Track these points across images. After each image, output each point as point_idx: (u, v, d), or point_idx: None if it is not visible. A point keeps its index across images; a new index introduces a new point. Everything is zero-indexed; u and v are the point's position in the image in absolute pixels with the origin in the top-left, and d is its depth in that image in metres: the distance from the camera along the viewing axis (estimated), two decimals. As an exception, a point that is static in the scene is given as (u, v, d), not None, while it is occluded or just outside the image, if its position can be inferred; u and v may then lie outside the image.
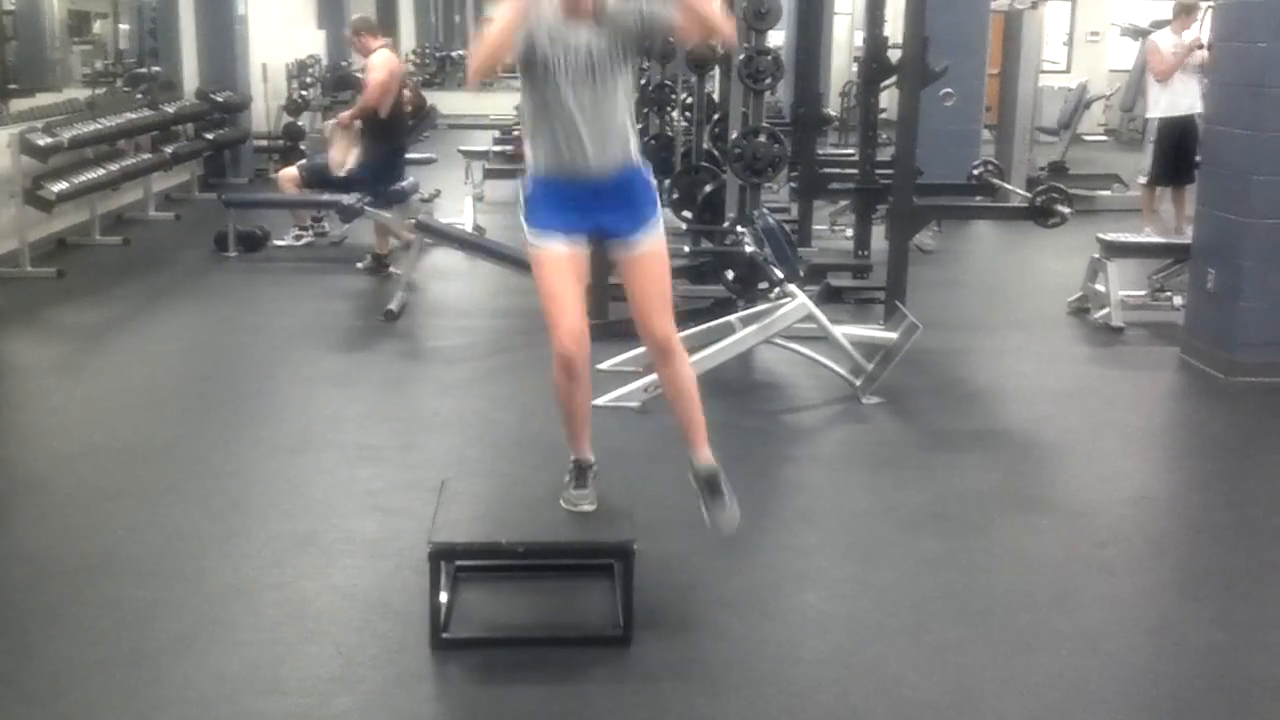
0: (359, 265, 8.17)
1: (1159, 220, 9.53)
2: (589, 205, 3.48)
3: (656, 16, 3.42)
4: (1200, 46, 9.09)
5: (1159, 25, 10.76)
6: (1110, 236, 7.35)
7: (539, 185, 3.52)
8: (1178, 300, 6.86)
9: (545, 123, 3.44)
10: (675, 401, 3.67)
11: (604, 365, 5.89)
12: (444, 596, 3.42)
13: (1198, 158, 7.61)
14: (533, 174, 3.53)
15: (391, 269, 8.01)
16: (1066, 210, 6.88)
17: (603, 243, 3.62)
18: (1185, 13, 9.56)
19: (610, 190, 3.49)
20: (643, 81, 11.03)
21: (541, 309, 3.52)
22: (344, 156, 8.14)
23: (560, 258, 3.49)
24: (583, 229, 3.52)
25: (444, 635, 3.36)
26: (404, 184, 8.32)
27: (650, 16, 3.42)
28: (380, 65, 8.15)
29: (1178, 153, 9.33)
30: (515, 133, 12.77)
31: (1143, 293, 7.19)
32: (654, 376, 5.35)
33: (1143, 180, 9.84)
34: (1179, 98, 9.35)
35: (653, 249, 3.55)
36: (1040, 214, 6.89)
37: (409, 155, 9.83)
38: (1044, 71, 14.06)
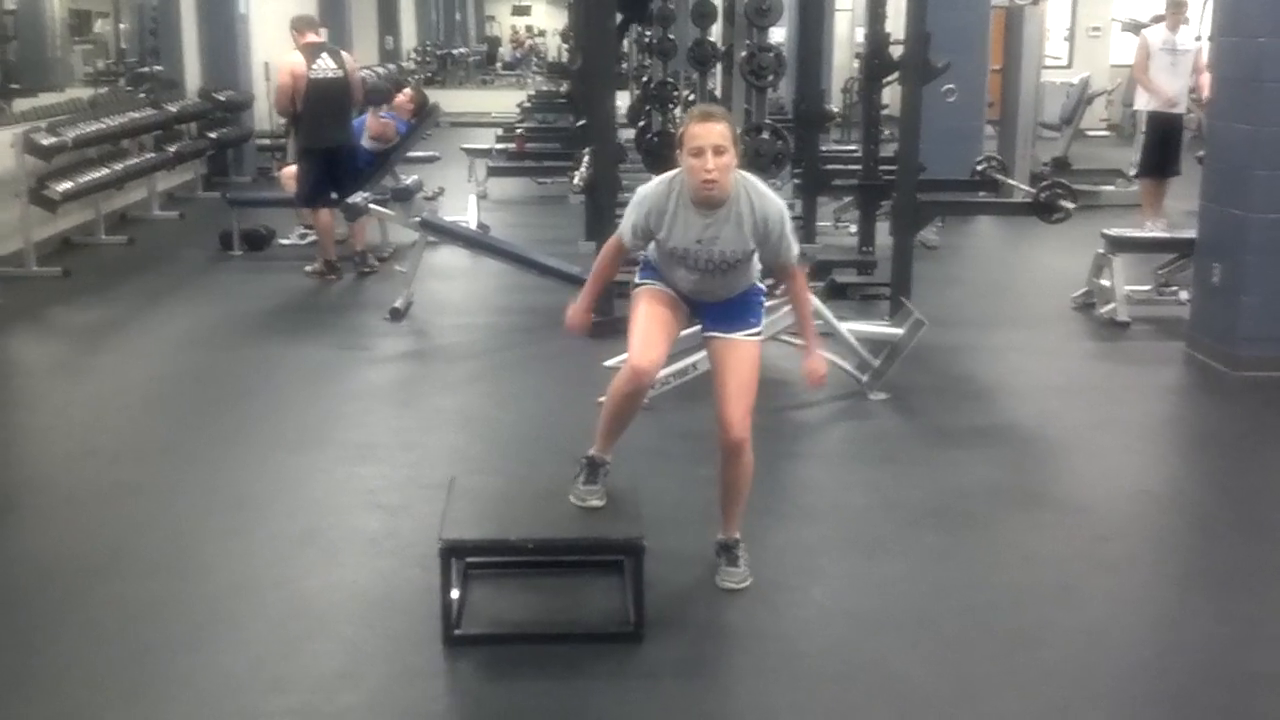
0: (307, 269, 8.11)
1: (1164, 213, 9.59)
2: (697, 306, 3.70)
3: (774, 248, 3.56)
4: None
5: (1159, 20, 10.74)
6: (1115, 231, 7.35)
7: (654, 271, 3.71)
8: (1183, 295, 6.85)
9: (666, 268, 3.64)
10: (726, 489, 3.72)
11: (610, 362, 5.89)
12: (455, 593, 3.42)
13: (1200, 153, 7.60)
14: (650, 262, 3.71)
15: (333, 275, 8.00)
16: (1070, 205, 6.87)
17: (699, 322, 3.74)
18: (1176, 9, 9.61)
19: (718, 303, 3.66)
20: (644, 79, 11.06)
21: (628, 328, 3.64)
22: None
23: (666, 296, 3.65)
24: (685, 303, 3.70)
25: (456, 632, 3.36)
26: (408, 183, 8.29)
27: (767, 249, 3.56)
28: (282, 67, 7.99)
29: (1165, 146, 9.49)
30: (518, 131, 12.80)
31: (1148, 288, 7.18)
32: (661, 373, 5.38)
33: (1133, 173, 10.01)
34: (1164, 94, 9.46)
35: (746, 342, 3.64)
36: (1044, 209, 6.89)
37: (414, 154, 9.84)
38: (1046, 67, 14.04)
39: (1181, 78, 9.52)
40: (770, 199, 3.52)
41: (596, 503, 3.61)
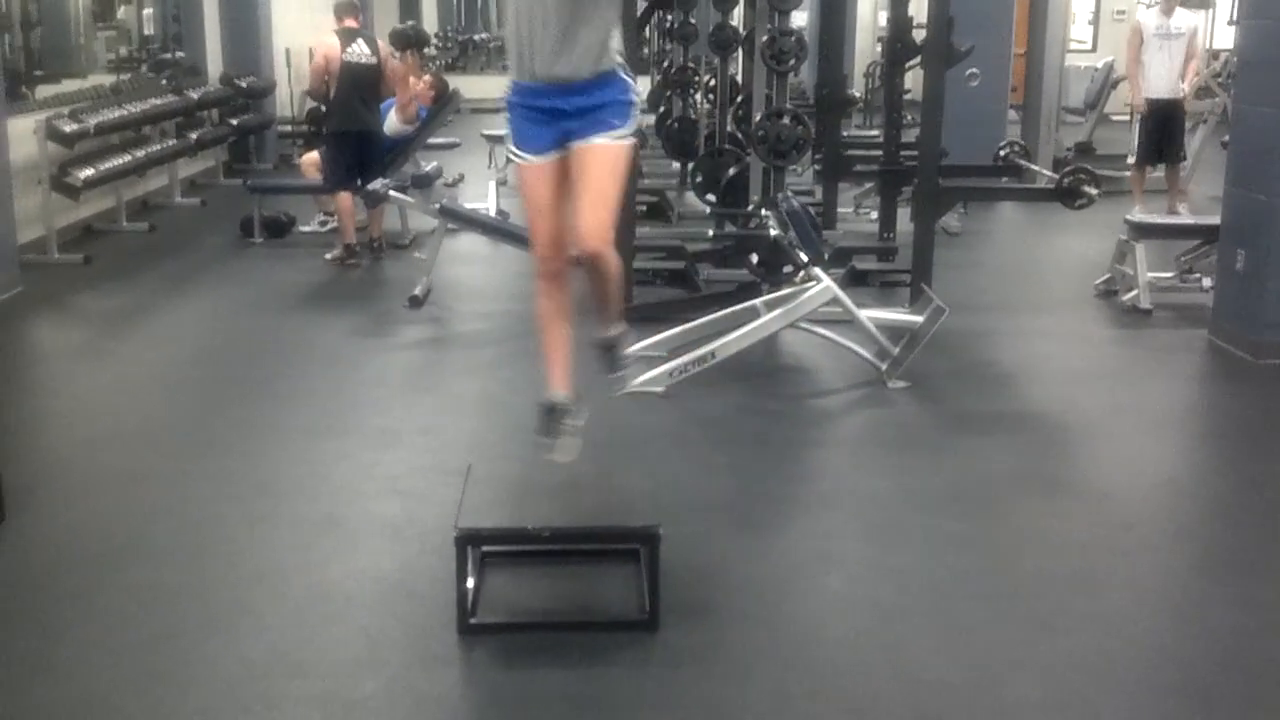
0: (328, 256, 8.15)
1: (1147, 200, 9.55)
2: (559, 110, 3.41)
3: None
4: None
5: (1192, 4, 10.71)
6: (1138, 218, 7.30)
7: (516, 93, 3.49)
8: (1206, 282, 6.80)
9: (522, 21, 3.37)
10: (594, 296, 3.63)
11: (628, 350, 5.89)
12: (471, 581, 3.43)
13: (1226, 141, 7.52)
14: (511, 81, 3.50)
15: (354, 260, 8.04)
16: (1094, 191, 6.83)
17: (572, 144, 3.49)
18: None
19: (582, 95, 3.40)
20: (665, 64, 11.03)
21: (526, 220, 3.58)
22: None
23: (535, 171, 3.50)
24: (555, 141, 3.46)
25: (472, 621, 3.37)
26: (428, 170, 8.29)
27: None
28: (318, 49, 8.22)
29: (1161, 133, 9.47)
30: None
31: (1171, 274, 7.13)
32: (680, 360, 5.39)
33: (1131, 160, 9.96)
34: (1160, 80, 9.42)
35: (605, 148, 3.40)
36: (1067, 195, 6.84)
37: (434, 140, 9.84)
38: (1070, 51, 13.94)
39: (1176, 62, 9.42)
40: None
41: (562, 457, 3.53)
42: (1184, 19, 9.56)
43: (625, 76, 3.48)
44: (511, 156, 3.56)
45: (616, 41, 3.44)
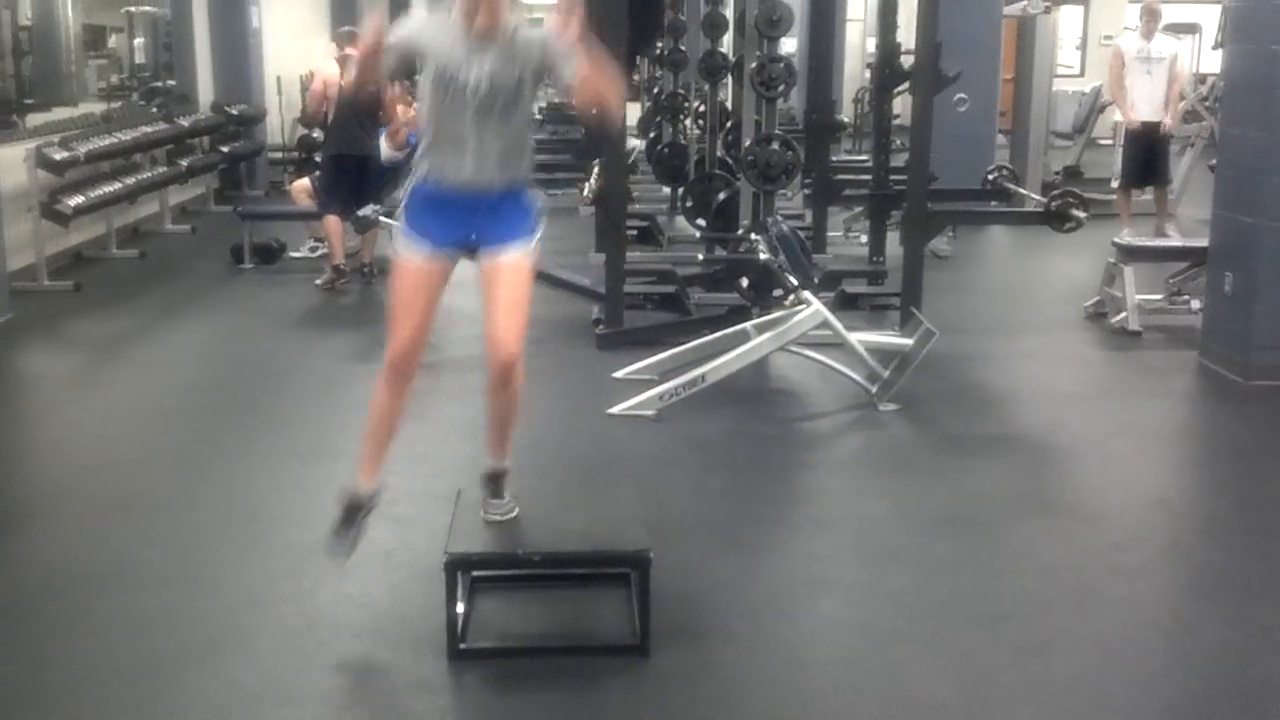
0: (317, 282, 8.15)
1: (1135, 223, 9.53)
2: (467, 218, 3.45)
3: (557, 66, 3.37)
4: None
5: (1179, 30, 10.77)
6: (1126, 240, 7.33)
7: (423, 189, 3.49)
8: (1195, 304, 6.82)
9: (443, 135, 3.42)
10: (495, 419, 3.63)
11: (619, 374, 5.90)
12: (461, 607, 3.41)
13: (1213, 164, 7.56)
14: (420, 177, 3.49)
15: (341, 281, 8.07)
16: (1082, 215, 6.86)
17: (473, 254, 3.53)
18: (1149, 16, 9.58)
19: (491, 206, 3.45)
20: (655, 90, 11.07)
21: (390, 313, 3.51)
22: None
23: (423, 268, 3.48)
24: (455, 240, 3.48)
25: (461, 646, 3.35)
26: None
27: (552, 60, 3.37)
28: (318, 74, 8.41)
29: (1145, 156, 9.53)
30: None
31: (1160, 296, 7.15)
32: (671, 384, 5.39)
33: (1115, 184, 10.09)
34: (1141, 103, 9.47)
35: (517, 260, 3.46)
36: (1056, 218, 6.87)
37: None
38: (1058, 76, 14.03)
39: (1158, 86, 9.48)
40: (542, 31, 3.41)
41: (348, 554, 3.55)
42: (1164, 44, 9.63)
43: (533, 194, 3.56)
44: (400, 244, 3.50)
45: (530, 158, 3.53)
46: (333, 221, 8.03)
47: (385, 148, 8.57)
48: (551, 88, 3.48)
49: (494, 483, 3.67)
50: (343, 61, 8.17)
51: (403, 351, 3.47)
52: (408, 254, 3.48)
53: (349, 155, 8.14)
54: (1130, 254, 7.07)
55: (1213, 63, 14.96)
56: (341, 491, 3.58)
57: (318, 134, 12.99)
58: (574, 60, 3.31)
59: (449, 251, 3.49)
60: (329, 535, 3.56)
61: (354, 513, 3.56)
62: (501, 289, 3.44)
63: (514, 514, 3.63)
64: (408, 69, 3.49)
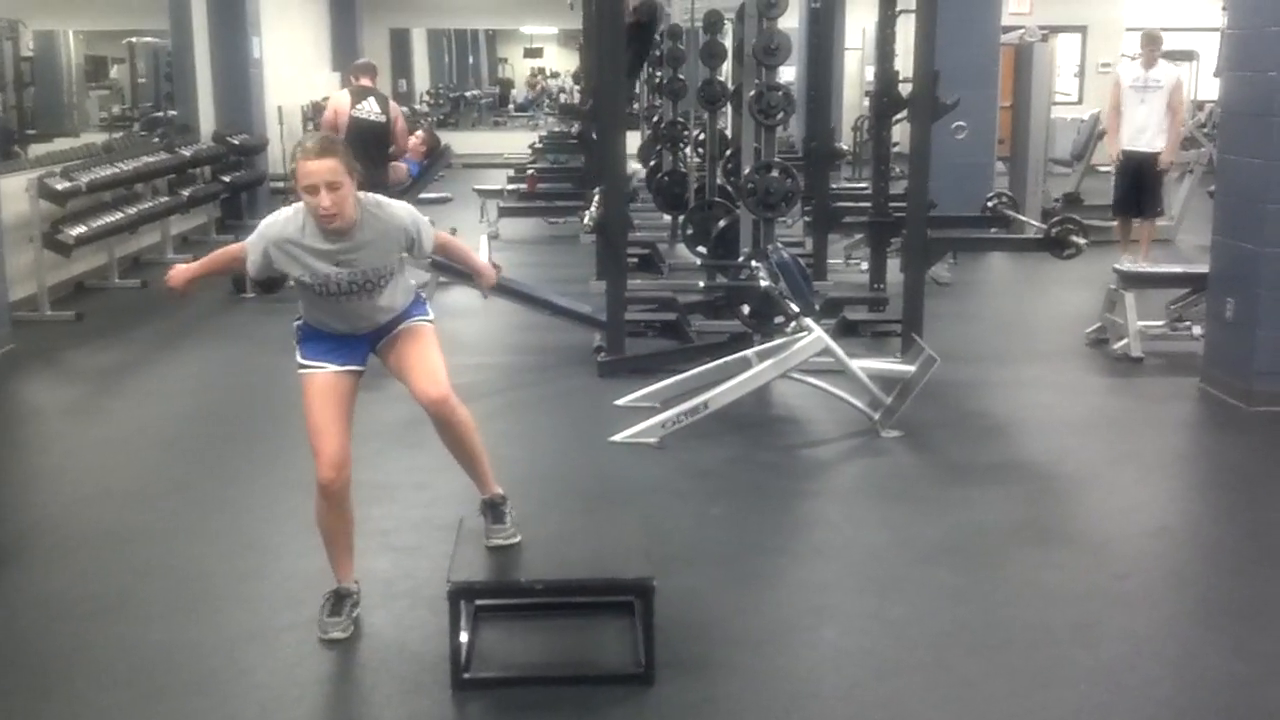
0: None
1: (1135, 250, 9.53)
2: (357, 344, 3.63)
3: (419, 247, 3.58)
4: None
5: (1171, 58, 10.72)
6: (1127, 267, 7.33)
7: (310, 332, 3.63)
8: (1197, 330, 6.82)
9: (319, 310, 3.56)
10: (457, 453, 3.71)
11: (621, 401, 5.90)
12: (464, 636, 3.40)
13: (1212, 190, 7.56)
14: (304, 325, 3.63)
15: None
16: (1082, 241, 6.87)
17: (370, 354, 3.69)
18: (1149, 44, 9.47)
19: (377, 333, 3.64)
20: (655, 119, 11.11)
21: (309, 435, 3.55)
22: None
23: (328, 382, 3.55)
24: (352, 359, 3.62)
25: (465, 676, 3.34)
26: None
27: (414, 245, 3.56)
28: (329, 104, 8.63)
29: (1132, 185, 9.48)
30: (529, 172, 12.85)
31: (1161, 323, 7.15)
32: (673, 411, 5.39)
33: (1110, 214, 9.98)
34: (1138, 132, 9.40)
35: (415, 324, 3.64)
36: (1055, 245, 6.88)
37: (426, 195, 9.91)
38: (1056, 103, 14.08)
39: (1152, 115, 9.37)
40: (394, 209, 3.54)
41: (339, 634, 3.58)
42: (1164, 71, 9.50)
43: (420, 296, 3.75)
44: (300, 366, 3.59)
45: (409, 283, 3.67)
46: None
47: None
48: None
49: (493, 509, 3.69)
50: (355, 91, 8.31)
51: (331, 468, 3.52)
52: (311, 372, 3.57)
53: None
54: (1131, 280, 7.08)
55: (1211, 90, 15.02)
56: (330, 590, 3.66)
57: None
58: (430, 239, 3.60)
59: (351, 365, 3.61)
60: (322, 620, 3.60)
61: (342, 601, 3.65)
62: (408, 354, 3.59)
63: (517, 539, 3.64)
64: (272, 275, 3.59)
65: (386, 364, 3.66)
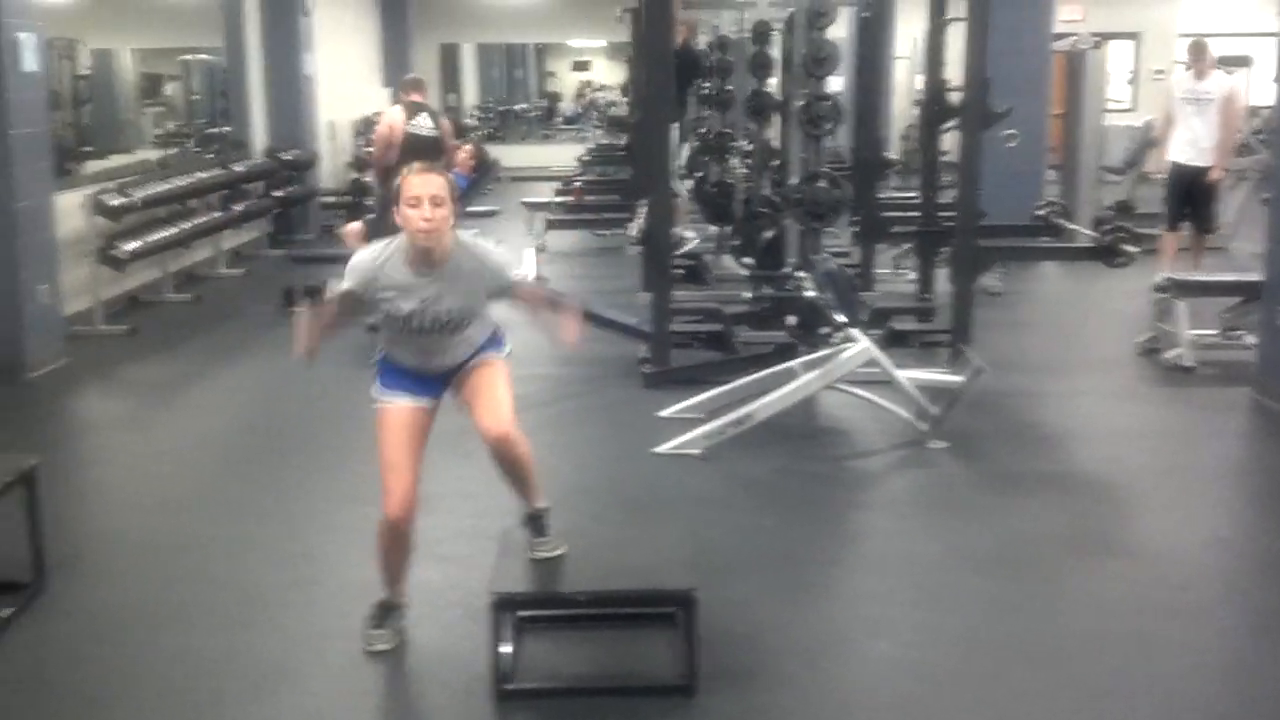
0: (369, 322, 8.21)
1: (1179, 264, 8.89)
2: (435, 380, 3.63)
3: (500, 290, 3.58)
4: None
5: (1225, 63, 10.57)
6: (1179, 275, 7.25)
7: (389, 366, 3.64)
8: (1250, 339, 6.73)
9: (399, 346, 3.60)
10: (512, 479, 3.71)
11: (666, 412, 5.90)
12: (507, 647, 3.41)
13: (1267, 198, 7.46)
14: (384, 359, 3.66)
15: None
16: (1134, 250, 6.80)
17: (448, 388, 3.69)
18: (1197, 54, 9.15)
19: (456, 369, 3.63)
20: (703, 130, 11.11)
21: (381, 468, 3.56)
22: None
23: (404, 415, 3.57)
24: (429, 393, 3.63)
25: (507, 687, 3.35)
26: None
27: (495, 288, 3.57)
28: (384, 119, 8.58)
29: (1183, 198, 9.12)
30: (575, 184, 12.90)
31: (1214, 332, 7.06)
32: (718, 422, 5.38)
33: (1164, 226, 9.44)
34: (1188, 144, 9.05)
35: (486, 362, 3.63)
36: (1107, 254, 6.82)
37: (473, 208, 9.97)
38: (1108, 110, 13.94)
39: (1205, 127, 9.00)
40: (488, 249, 3.55)
41: (383, 646, 3.59)
42: (1217, 82, 9.12)
43: (494, 331, 3.70)
44: (376, 398, 3.61)
45: (490, 319, 3.66)
46: None
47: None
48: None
49: (534, 522, 3.71)
50: (408, 106, 8.38)
51: (399, 507, 3.53)
52: (386, 403, 3.59)
53: None
54: (1183, 289, 6.99)
55: (1266, 95, 14.84)
56: (374, 600, 3.68)
57: (369, 179, 13.23)
58: (516, 284, 3.61)
59: (426, 401, 3.62)
60: (366, 632, 3.62)
61: (387, 612, 3.67)
62: (479, 390, 3.59)
63: (560, 550, 3.65)
64: (361, 309, 3.65)
65: (457, 396, 3.67)
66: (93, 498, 5.20)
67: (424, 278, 3.44)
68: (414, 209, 3.36)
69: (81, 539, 4.56)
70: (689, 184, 10.88)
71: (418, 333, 3.50)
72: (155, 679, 3.50)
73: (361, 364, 7.34)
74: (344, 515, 4.81)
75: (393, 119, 8.40)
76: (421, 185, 3.37)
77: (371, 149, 9.18)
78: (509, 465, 3.62)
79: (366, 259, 3.51)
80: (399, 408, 3.56)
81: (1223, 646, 3.74)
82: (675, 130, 10.14)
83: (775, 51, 9.48)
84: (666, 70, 7.04)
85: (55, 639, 3.77)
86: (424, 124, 8.38)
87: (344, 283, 3.54)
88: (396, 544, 3.60)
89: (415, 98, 8.54)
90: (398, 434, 3.55)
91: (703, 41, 12.40)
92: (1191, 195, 9.10)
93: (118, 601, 4.03)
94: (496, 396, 3.57)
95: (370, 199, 12.17)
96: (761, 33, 9.30)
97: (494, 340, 3.70)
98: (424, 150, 8.34)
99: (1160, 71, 18.68)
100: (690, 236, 9.65)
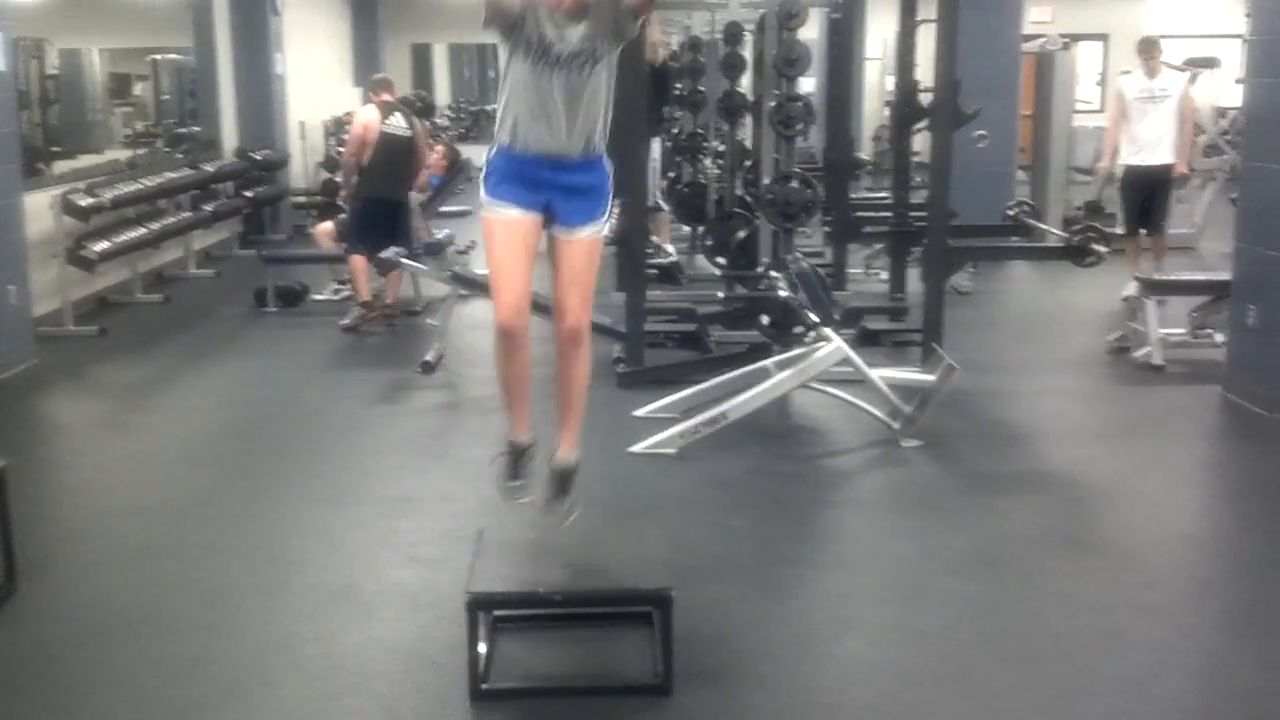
0: (341, 324, 8.19)
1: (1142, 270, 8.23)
2: (547, 182, 3.49)
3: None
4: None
5: (1195, 64, 10.62)
6: (1148, 275, 7.30)
7: (503, 157, 3.51)
8: (1219, 337, 6.79)
9: (523, 97, 3.43)
10: (564, 388, 3.68)
11: (641, 412, 5.91)
12: (483, 647, 3.41)
13: (1235, 198, 7.51)
14: (499, 145, 3.52)
15: (367, 317, 8.12)
16: (1103, 249, 6.85)
17: (547, 224, 3.57)
18: (1148, 51, 8.80)
19: (570, 173, 3.49)
20: (674, 130, 11.12)
21: (491, 277, 3.53)
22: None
23: (513, 224, 3.49)
24: (537, 205, 3.51)
25: (483, 687, 3.34)
26: (439, 237, 8.38)
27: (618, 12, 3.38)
28: (358, 119, 8.44)
29: (1138, 201, 8.70)
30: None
31: (1183, 330, 7.12)
32: (692, 422, 5.39)
33: (1120, 230, 9.05)
34: (1144, 146, 8.66)
35: (589, 239, 3.55)
36: (1077, 253, 6.87)
37: (446, 208, 9.95)
38: (1078, 111, 14.04)
39: (1158, 126, 8.62)
40: None
41: (526, 498, 3.57)
42: (1170, 79, 8.80)
43: (608, 162, 3.58)
44: (486, 208, 3.52)
45: (606, 128, 3.53)
46: (358, 260, 8.09)
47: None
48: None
49: (563, 481, 3.69)
50: (382, 107, 8.30)
51: (510, 311, 3.48)
52: (496, 213, 3.49)
53: (384, 200, 8.23)
54: (1152, 288, 7.05)
55: (1233, 96, 14.96)
56: (502, 446, 3.65)
57: (340, 178, 13.18)
58: None
59: (533, 215, 3.51)
60: (500, 486, 3.60)
61: (518, 457, 3.64)
62: (568, 265, 3.54)
63: (574, 517, 3.64)
64: (511, 25, 3.41)
65: (551, 253, 3.59)
66: (62, 500, 5.16)
67: (567, 15, 3.34)
68: None
69: (50, 542, 4.52)
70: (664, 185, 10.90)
71: (550, 69, 3.36)
72: (126, 683, 3.48)
73: (330, 368, 7.34)
74: (315, 518, 4.79)
75: (367, 119, 8.31)
76: None
77: (344, 149, 9.11)
78: (567, 365, 3.61)
79: None
80: (509, 218, 3.48)
81: (1191, 644, 3.77)
82: (655, 146, 10.14)
83: (747, 52, 9.51)
84: (637, 71, 7.04)
85: (23, 643, 3.74)
86: (398, 124, 8.31)
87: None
88: (513, 354, 3.57)
89: (385, 97, 8.48)
90: (507, 241, 3.49)
91: (674, 42, 12.42)
92: (1149, 198, 8.71)
93: (87, 605, 4.00)
94: (585, 279, 3.54)
95: (341, 199, 12.14)
96: (733, 34, 9.32)
97: (604, 180, 3.57)
98: (399, 151, 8.31)
99: (1128, 73, 18.82)
100: (670, 251, 9.63)
